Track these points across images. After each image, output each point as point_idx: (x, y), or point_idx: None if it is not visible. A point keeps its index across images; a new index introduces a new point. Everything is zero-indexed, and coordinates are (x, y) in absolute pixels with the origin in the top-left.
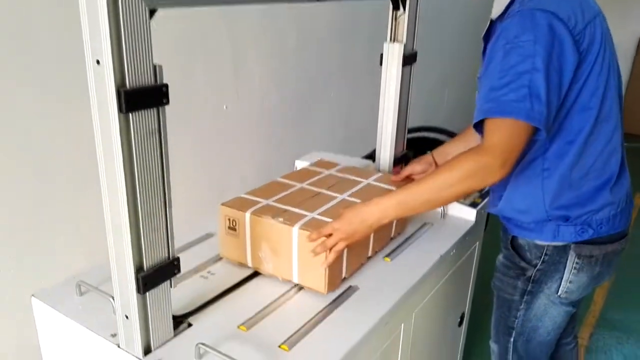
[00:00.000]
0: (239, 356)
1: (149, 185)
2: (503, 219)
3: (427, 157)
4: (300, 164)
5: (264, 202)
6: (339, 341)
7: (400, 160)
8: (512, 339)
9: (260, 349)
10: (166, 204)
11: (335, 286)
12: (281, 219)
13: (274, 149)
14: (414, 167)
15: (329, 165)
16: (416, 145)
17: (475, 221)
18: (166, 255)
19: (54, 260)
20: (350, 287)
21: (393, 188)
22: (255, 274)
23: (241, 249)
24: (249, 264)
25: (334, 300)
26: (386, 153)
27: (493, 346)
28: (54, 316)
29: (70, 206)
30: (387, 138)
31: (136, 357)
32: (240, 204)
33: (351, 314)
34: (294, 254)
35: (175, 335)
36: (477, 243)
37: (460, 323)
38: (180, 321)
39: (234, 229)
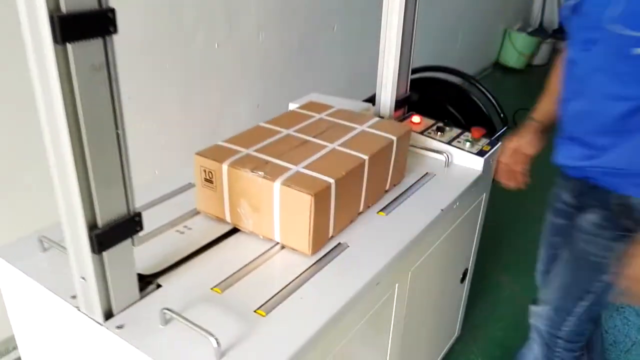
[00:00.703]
0: (209, 323)
1: (98, 132)
2: (609, 174)
3: (530, 124)
4: (293, 107)
5: (244, 151)
6: (323, 305)
7: (403, 103)
8: (586, 304)
9: (233, 314)
10: (121, 152)
11: (320, 246)
12: (261, 173)
13: (271, 90)
14: (519, 140)
15: (320, 108)
16: (422, 86)
17: (483, 171)
18: (125, 210)
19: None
20: (338, 244)
21: (391, 137)
22: (235, 230)
23: (219, 203)
24: (228, 219)
25: (320, 260)
26: (387, 95)
27: (543, 310)
28: (14, 274)
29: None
30: (388, 77)
31: (96, 321)
32: (217, 154)
33: (338, 274)
34: (275, 211)
35: (141, 298)
36: (484, 195)
37: (463, 279)
38: (149, 281)
39: (210, 181)
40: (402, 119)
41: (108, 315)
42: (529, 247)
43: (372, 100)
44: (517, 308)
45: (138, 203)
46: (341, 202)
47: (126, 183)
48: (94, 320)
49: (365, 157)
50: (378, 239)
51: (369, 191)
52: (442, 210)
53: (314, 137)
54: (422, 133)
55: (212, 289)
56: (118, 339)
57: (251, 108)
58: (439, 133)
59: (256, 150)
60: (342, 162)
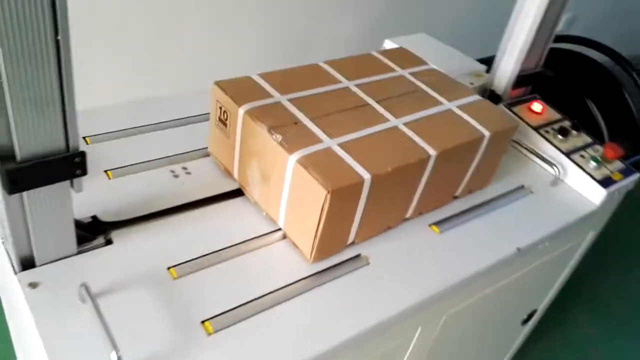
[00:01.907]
0: (132, 322)
1: (23, 34)
2: None
3: None
4: (390, 46)
5: (276, 96)
6: (289, 346)
7: (529, 80)
8: None
9: (171, 317)
10: (61, 67)
11: (328, 254)
12: (279, 137)
13: (373, 19)
14: None
15: (409, 60)
16: (557, 61)
17: (601, 206)
18: (61, 145)
19: None
20: (357, 256)
21: (484, 131)
22: (240, 192)
23: (229, 153)
24: (235, 176)
25: (322, 272)
26: (509, 64)
27: None
28: None
29: None
30: (516, 40)
31: (12, 267)
32: (240, 90)
33: (335, 302)
34: (285, 190)
35: (78, 253)
36: (591, 234)
37: (527, 321)
38: (104, 230)
39: (224, 123)
40: (519, 100)
41: (28, 264)
42: (632, 289)
43: (491, 62)
44: (584, 357)
45: (147, 118)
46: (376, 205)
47: (66, 111)
48: (10, 265)
49: (433, 153)
50: (413, 265)
51: (426, 196)
52: (518, 249)
53: (378, 101)
54: (536, 129)
55: (169, 268)
56: (23, 299)
57: (345, 34)
58: (559, 136)
59: (292, 100)
60: (397, 150)
